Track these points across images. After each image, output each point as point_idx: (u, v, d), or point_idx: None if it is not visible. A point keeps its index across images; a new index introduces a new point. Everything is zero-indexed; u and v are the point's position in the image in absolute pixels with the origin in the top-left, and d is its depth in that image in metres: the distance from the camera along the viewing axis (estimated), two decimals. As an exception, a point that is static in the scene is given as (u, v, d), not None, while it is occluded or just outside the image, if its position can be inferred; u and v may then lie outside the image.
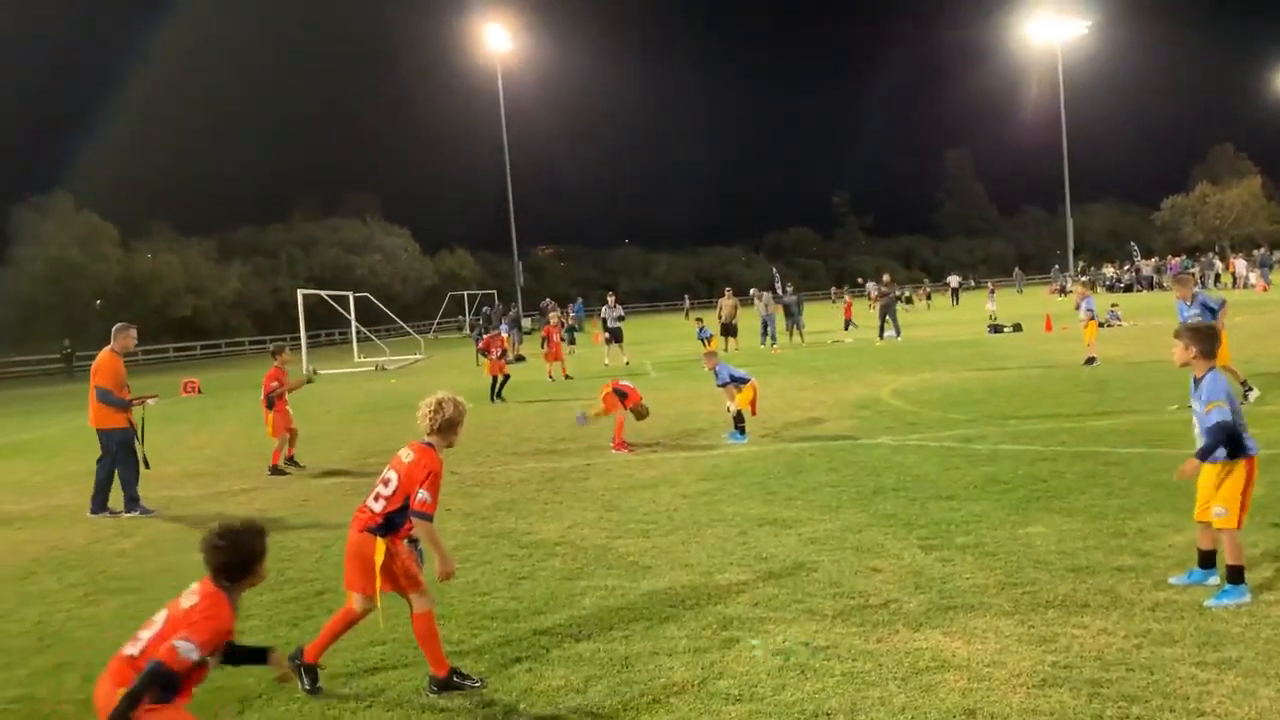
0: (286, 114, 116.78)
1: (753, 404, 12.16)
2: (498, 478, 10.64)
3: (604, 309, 27.95)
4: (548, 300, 55.81)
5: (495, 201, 71.36)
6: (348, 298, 38.38)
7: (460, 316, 57.88)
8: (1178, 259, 59.90)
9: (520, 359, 30.41)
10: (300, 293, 35.88)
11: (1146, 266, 57.84)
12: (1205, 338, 5.50)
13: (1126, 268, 61.54)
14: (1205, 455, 5.25)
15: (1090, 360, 17.46)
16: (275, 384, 12.23)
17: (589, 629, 5.51)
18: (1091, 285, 28.82)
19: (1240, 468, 5.26)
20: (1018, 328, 28.62)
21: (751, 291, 33.21)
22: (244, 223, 75.99)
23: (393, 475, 4.90)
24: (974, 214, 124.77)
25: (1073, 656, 4.58)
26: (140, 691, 3.43)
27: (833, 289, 40.88)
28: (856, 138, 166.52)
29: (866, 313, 38.56)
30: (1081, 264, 68.56)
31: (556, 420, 15.22)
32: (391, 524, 4.83)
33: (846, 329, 34.14)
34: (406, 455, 4.94)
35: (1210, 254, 62.89)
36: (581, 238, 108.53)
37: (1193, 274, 23.30)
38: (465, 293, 58.92)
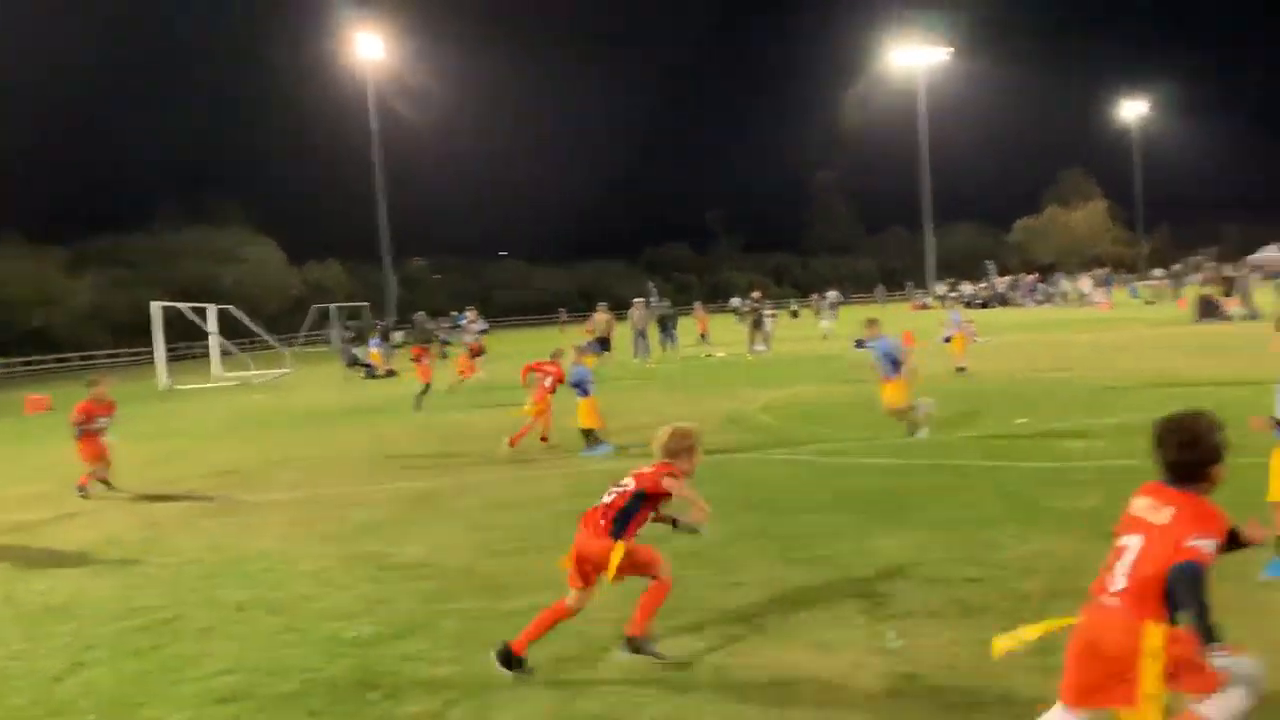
0: (144, 116, 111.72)
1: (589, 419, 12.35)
2: (366, 496, 10.39)
3: (465, 322, 27.37)
4: (420, 313, 54.94)
5: (368, 210, 69.85)
6: (208, 310, 36.92)
7: (328, 329, 56.30)
8: (1030, 276, 63.06)
9: (391, 373, 29.83)
10: (155, 305, 34.30)
11: (1001, 284, 60.68)
12: None
13: (983, 285, 64.45)
14: None
15: (961, 369, 18.62)
16: (82, 417, 11.57)
17: (449, 653, 5.43)
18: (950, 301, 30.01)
19: None
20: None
21: (634, 302, 33.29)
22: (102, 230, 72.33)
23: (629, 480, 5.32)
24: (841, 232, 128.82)
25: (924, 666, 4.76)
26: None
27: (695, 304, 41.25)
28: (731, 156, 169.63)
29: (731, 327, 39.28)
30: (950, 282, 71.52)
31: (431, 436, 14.98)
32: (623, 522, 5.16)
33: (703, 341, 34.72)
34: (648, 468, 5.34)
35: (1058, 273, 66.36)
36: (458, 249, 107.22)
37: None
38: (334, 305, 57.37)
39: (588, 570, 5.13)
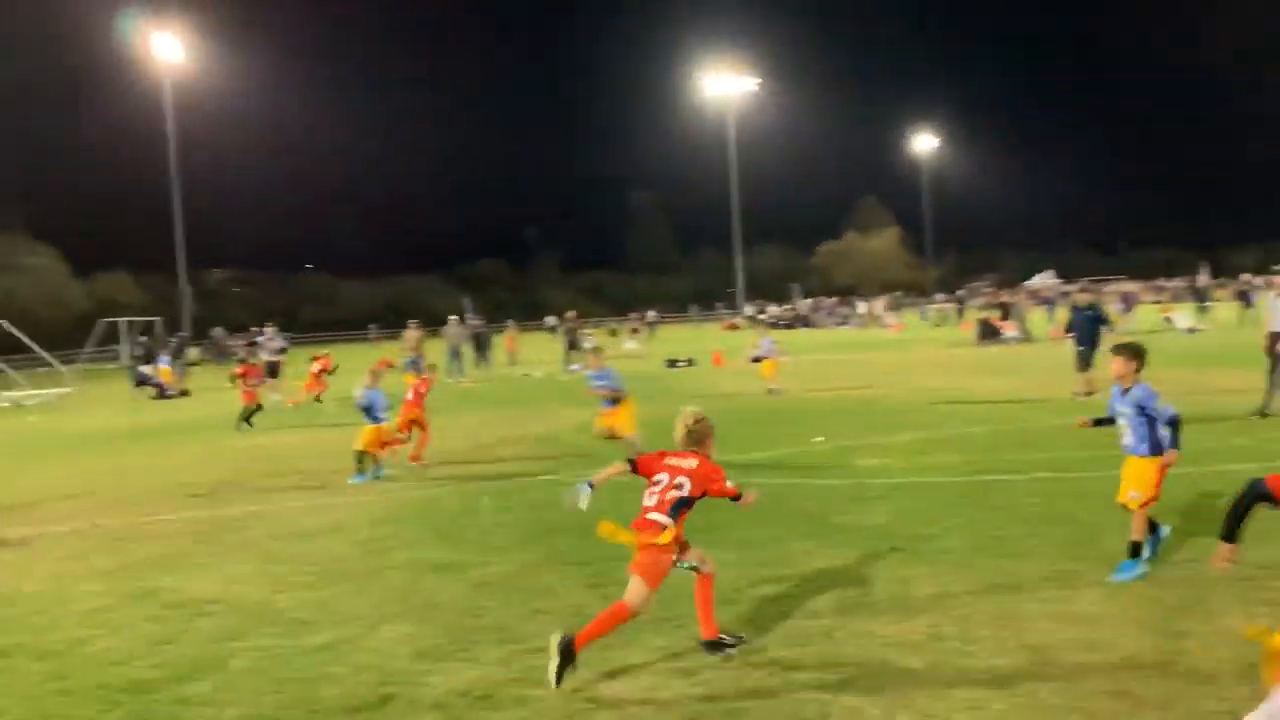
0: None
1: (383, 445, 12.16)
2: (151, 528, 9.76)
3: (262, 339, 25.79)
4: (218, 329, 52.18)
5: (163, 219, 65.87)
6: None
7: (115, 345, 52.56)
8: (831, 299, 66.22)
9: (184, 393, 28.21)
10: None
11: (804, 306, 63.44)
12: (1142, 356, 6.57)
13: (788, 307, 67.19)
14: (1177, 443, 6.24)
15: (772, 390, 19.38)
16: None
17: (238, 695, 5.18)
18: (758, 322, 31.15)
19: (1158, 461, 6.24)
20: (691, 362, 30.37)
21: (449, 319, 32.60)
22: None
23: (684, 480, 5.53)
24: (656, 252, 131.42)
25: (716, 688, 4.91)
26: None
27: (509, 322, 40.97)
28: (550, 173, 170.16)
29: (548, 345, 39.35)
30: (759, 305, 74.09)
31: (222, 461, 14.24)
32: (676, 513, 5.41)
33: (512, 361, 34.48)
34: (688, 463, 5.63)
35: (856, 296, 70.04)
36: (261, 262, 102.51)
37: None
38: (123, 319, 53.62)
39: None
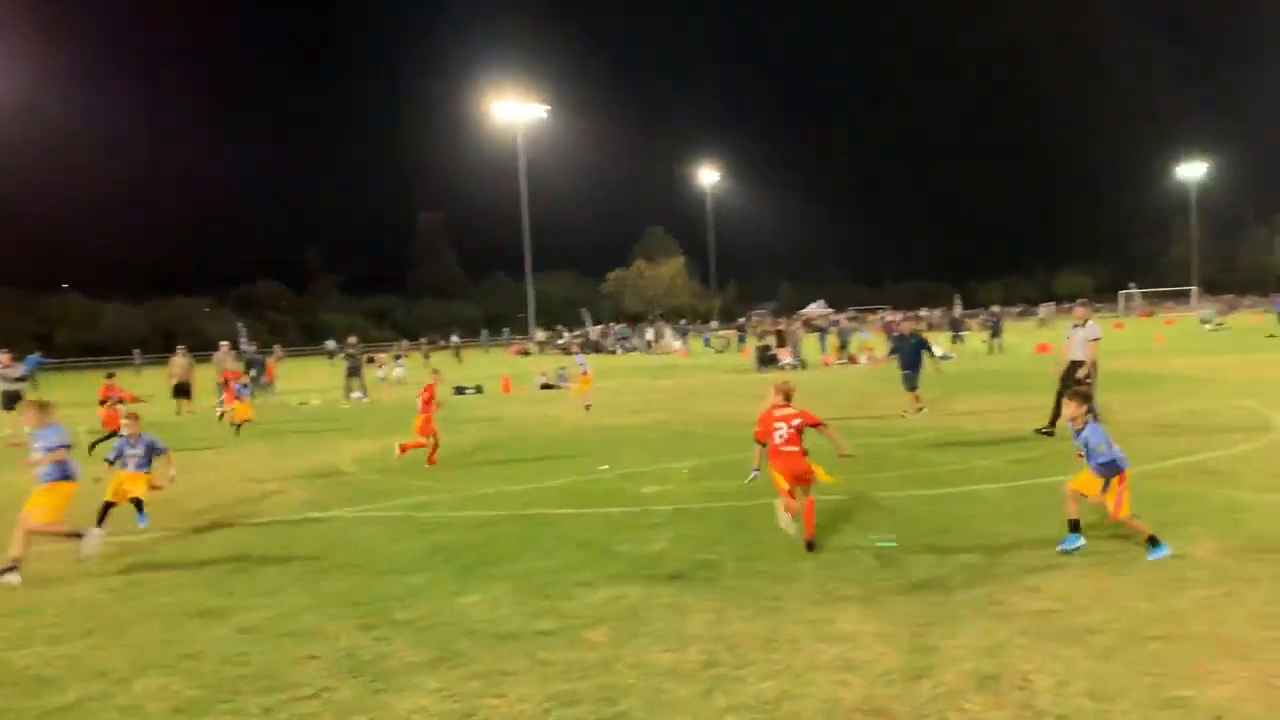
0: None
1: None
2: None
3: None
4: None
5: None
6: None
7: None
8: (619, 325, 67.34)
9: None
10: None
11: (594, 332, 64.17)
12: (1090, 400, 8.24)
13: (578, 333, 67.76)
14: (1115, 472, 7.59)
15: (587, 407, 20.34)
16: None
17: (-44, 771, 4.65)
18: (546, 346, 31.24)
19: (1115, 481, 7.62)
20: (479, 389, 30.06)
21: (220, 344, 30.55)
22: None
23: (796, 418, 8.36)
24: (445, 276, 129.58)
25: (493, 725, 4.84)
26: None
27: (275, 347, 39.24)
28: (333, 193, 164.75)
29: (323, 372, 37.92)
30: (556, 329, 74.27)
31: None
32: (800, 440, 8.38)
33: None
34: (789, 410, 8.49)
35: (644, 323, 71.59)
36: (8, 279, 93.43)
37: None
38: None
39: (797, 482, 8.17)
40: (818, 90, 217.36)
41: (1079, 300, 18.55)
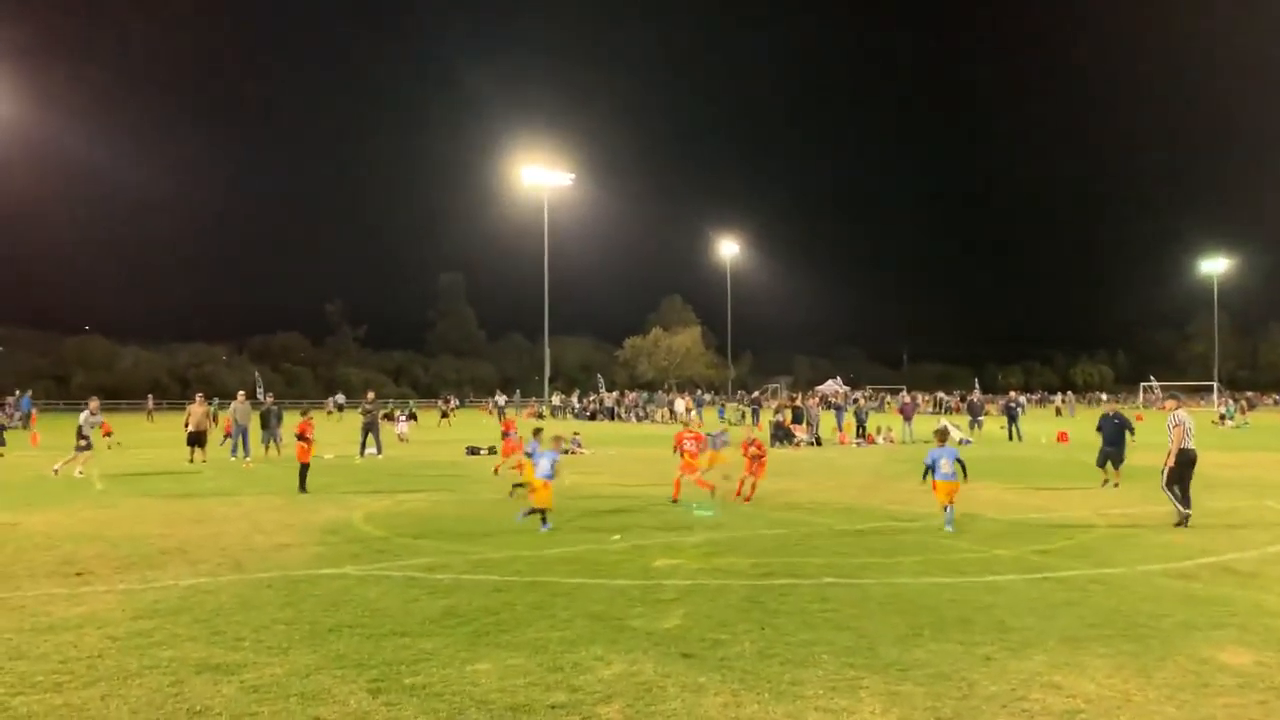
0: None
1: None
2: None
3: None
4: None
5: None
6: None
7: None
8: (634, 393, 67.27)
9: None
10: None
11: (609, 398, 64.09)
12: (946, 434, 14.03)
13: (592, 398, 67.73)
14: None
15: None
16: None
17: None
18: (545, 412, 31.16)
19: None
20: (493, 450, 29.96)
21: (238, 394, 30.56)
22: None
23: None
24: (463, 336, 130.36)
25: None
26: None
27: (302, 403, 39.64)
28: (360, 252, 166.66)
29: (328, 427, 37.96)
30: (567, 394, 74.31)
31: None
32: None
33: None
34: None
35: (661, 390, 71.54)
36: (33, 321, 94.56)
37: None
38: None
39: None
40: (844, 173, 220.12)
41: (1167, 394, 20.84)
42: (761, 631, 7.92)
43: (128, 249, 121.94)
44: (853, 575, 10.30)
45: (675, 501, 16.42)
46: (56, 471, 21.76)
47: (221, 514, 15.51)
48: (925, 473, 13.94)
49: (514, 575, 10.40)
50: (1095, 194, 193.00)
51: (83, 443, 21.84)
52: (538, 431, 16.92)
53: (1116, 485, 19.44)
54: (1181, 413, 14.62)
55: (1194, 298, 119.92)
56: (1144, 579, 10.17)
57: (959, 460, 13.73)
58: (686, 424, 18.19)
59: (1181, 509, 14.01)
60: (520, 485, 17.08)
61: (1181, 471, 14.16)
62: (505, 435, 21.99)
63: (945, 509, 13.54)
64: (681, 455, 17.23)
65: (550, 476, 13.89)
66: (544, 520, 13.53)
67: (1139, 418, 52.41)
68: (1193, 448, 14.31)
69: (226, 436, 27.66)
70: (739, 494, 16.94)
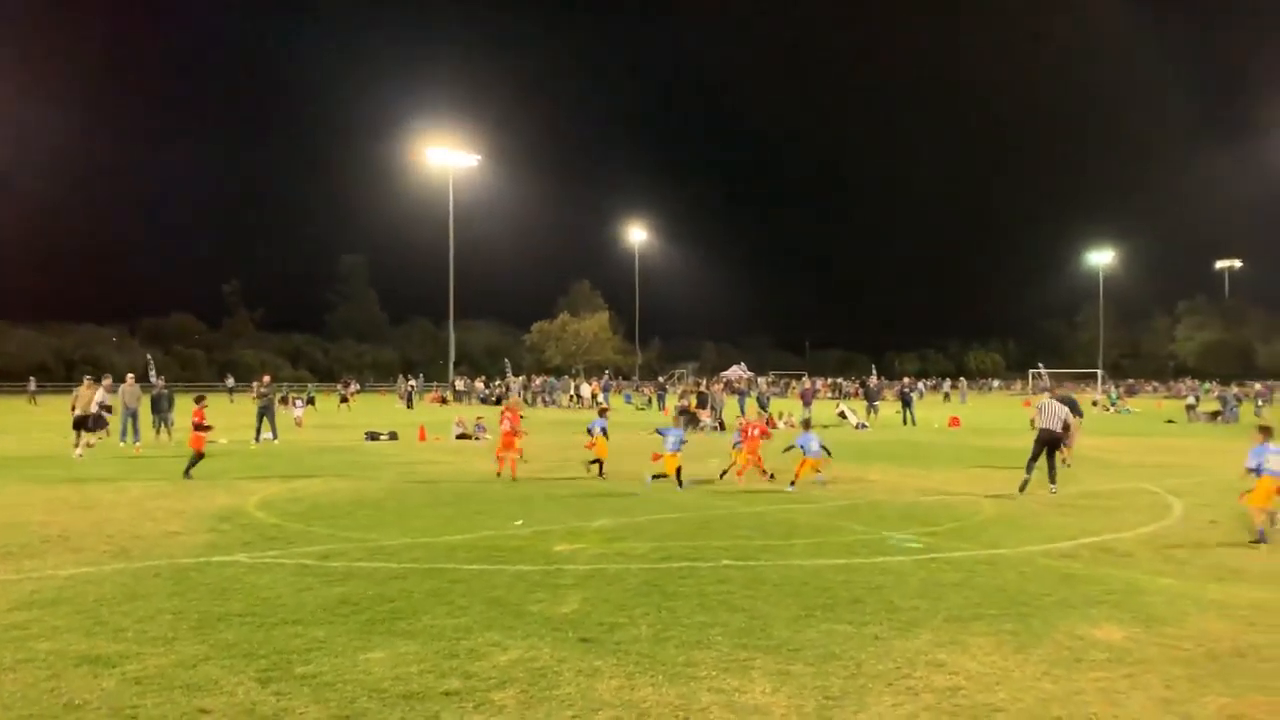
0: None
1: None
2: None
3: None
4: None
5: None
6: None
7: None
8: (541, 378, 66.99)
9: None
10: None
11: (515, 383, 63.68)
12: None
13: (497, 383, 67.19)
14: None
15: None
16: None
17: None
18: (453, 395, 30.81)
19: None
20: (394, 436, 29.53)
21: (127, 377, 29.33)
22: None
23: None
24: (365, 319, 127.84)
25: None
26: None
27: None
28: (253, 229, 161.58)
29: (225, 410, 36.97)
30: (484, 379, 73.50)
31: None
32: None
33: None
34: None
35: (567, 375, 71.38)
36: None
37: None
38: None
39: None
40: (750, 159, 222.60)
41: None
42: (659, 614, 8.01)
43: (12, 227, 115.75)
44: (750, 557, 10.48)
45: (792, 484, 16.73)
46: None
47: (108, 500, 14.95)
48: (788, 448, 17.47)
49: (411, 562, 10.28)
50: (996, 191, 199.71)
51: None
52: (604, 412, 21.22)
53: (1068, 464, 19.90)
54: (1045, 399, 17.38)
55: (1082, 289, 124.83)
56: (1027, 559, 10.60)
57: (824, 446, 16.99)
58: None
59: (1024, 476, 16.22)
60: (595, 462, 18.68)
61: (1036, 449, 16.30)
62: (504, 423, 19.25)
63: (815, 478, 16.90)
64: (744, 440, 18.24)
65: (677, 449, 16.90)
66: (678, 482, 16.63)
67: (1026, 404, 54.15)
68: (1051, 428, 16.30)
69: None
70: (744, 473, 17.93)
